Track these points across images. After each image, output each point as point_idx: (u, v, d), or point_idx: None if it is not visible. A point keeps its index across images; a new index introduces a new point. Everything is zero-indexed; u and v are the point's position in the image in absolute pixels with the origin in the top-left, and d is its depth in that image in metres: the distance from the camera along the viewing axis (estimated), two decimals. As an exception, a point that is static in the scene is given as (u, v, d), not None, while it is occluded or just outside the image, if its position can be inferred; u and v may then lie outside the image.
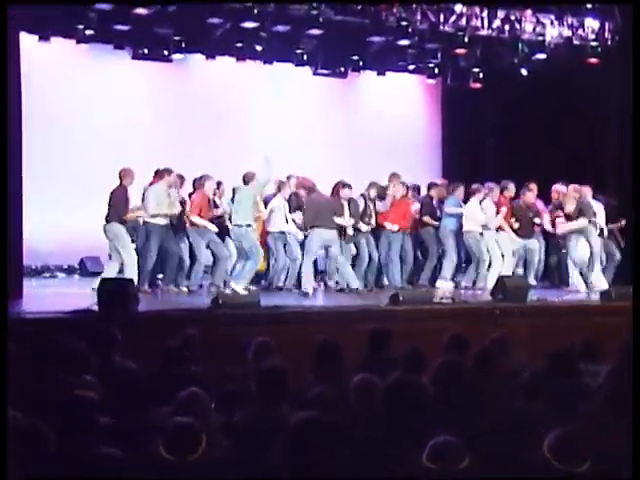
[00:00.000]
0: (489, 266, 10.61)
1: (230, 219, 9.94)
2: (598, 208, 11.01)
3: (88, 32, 11.37)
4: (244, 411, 4.08)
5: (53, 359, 4.72)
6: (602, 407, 4.03)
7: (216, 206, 10.13)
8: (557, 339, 6.17)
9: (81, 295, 8.55)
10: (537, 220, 10.96)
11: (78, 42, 11.65)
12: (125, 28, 11.48)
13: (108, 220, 9.36)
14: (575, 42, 12.18)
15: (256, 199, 9.93)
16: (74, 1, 10.58)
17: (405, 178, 11.25)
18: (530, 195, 10.91)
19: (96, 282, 7.98)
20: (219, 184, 10.47)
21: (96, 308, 7.05)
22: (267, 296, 8.80)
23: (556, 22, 12.11)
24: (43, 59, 11.67)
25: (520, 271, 10.85)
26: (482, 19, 11.78)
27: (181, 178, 10.30)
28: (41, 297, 9.30)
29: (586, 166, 11.62)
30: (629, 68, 10.94)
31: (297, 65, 13.08)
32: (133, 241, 9.64)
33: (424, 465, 2.92)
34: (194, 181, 10.37)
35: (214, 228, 9.86)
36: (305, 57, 12.89)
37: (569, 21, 12.14)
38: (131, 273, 9.04)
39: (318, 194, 10.31)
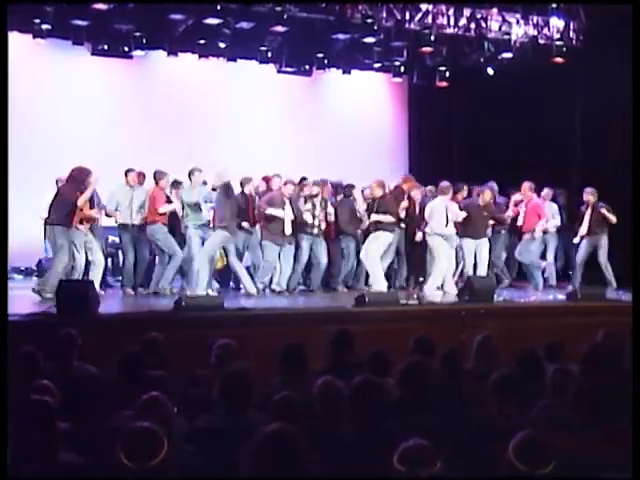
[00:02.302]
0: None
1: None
2: (552, 208, 11.10)
3: (45, 27, 11.15)
4: (208, 415, 3.98)
5: (9, 363, 4.57)
6: (568, 408, 3.99)
7: (169, 202, 9.95)
8: (524, 339, 6.14)
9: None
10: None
11: (35, 37, 11.42)
12: (84, 23, 11.29)
13: None
14: (541, 41, 12.25)
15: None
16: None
17: (371, 177, 11.14)
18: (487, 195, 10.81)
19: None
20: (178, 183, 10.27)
21: (54, 311, 6.88)
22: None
23: (522, 21, 12.18)
24: (-3, 54, 11.37)
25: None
26: (448, 17, 11.79)
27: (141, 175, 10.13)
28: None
29: (550, 165, 11.66)
30: (593, 67, 11.00)
31: (261, 63, 12.95)
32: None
33: (395, 468, 2.85)
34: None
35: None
36: (269, 54, 12.79)
37: (534, 20, 12.20)
38: (96, 275, 9.00)
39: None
